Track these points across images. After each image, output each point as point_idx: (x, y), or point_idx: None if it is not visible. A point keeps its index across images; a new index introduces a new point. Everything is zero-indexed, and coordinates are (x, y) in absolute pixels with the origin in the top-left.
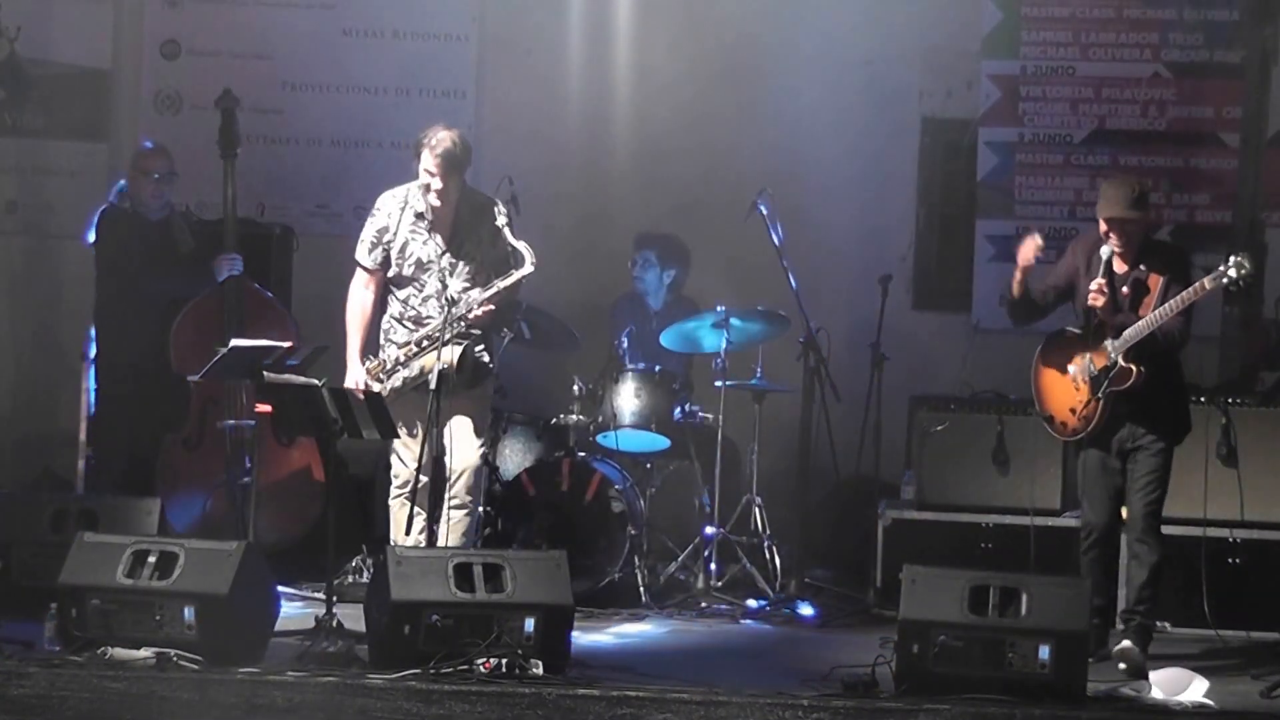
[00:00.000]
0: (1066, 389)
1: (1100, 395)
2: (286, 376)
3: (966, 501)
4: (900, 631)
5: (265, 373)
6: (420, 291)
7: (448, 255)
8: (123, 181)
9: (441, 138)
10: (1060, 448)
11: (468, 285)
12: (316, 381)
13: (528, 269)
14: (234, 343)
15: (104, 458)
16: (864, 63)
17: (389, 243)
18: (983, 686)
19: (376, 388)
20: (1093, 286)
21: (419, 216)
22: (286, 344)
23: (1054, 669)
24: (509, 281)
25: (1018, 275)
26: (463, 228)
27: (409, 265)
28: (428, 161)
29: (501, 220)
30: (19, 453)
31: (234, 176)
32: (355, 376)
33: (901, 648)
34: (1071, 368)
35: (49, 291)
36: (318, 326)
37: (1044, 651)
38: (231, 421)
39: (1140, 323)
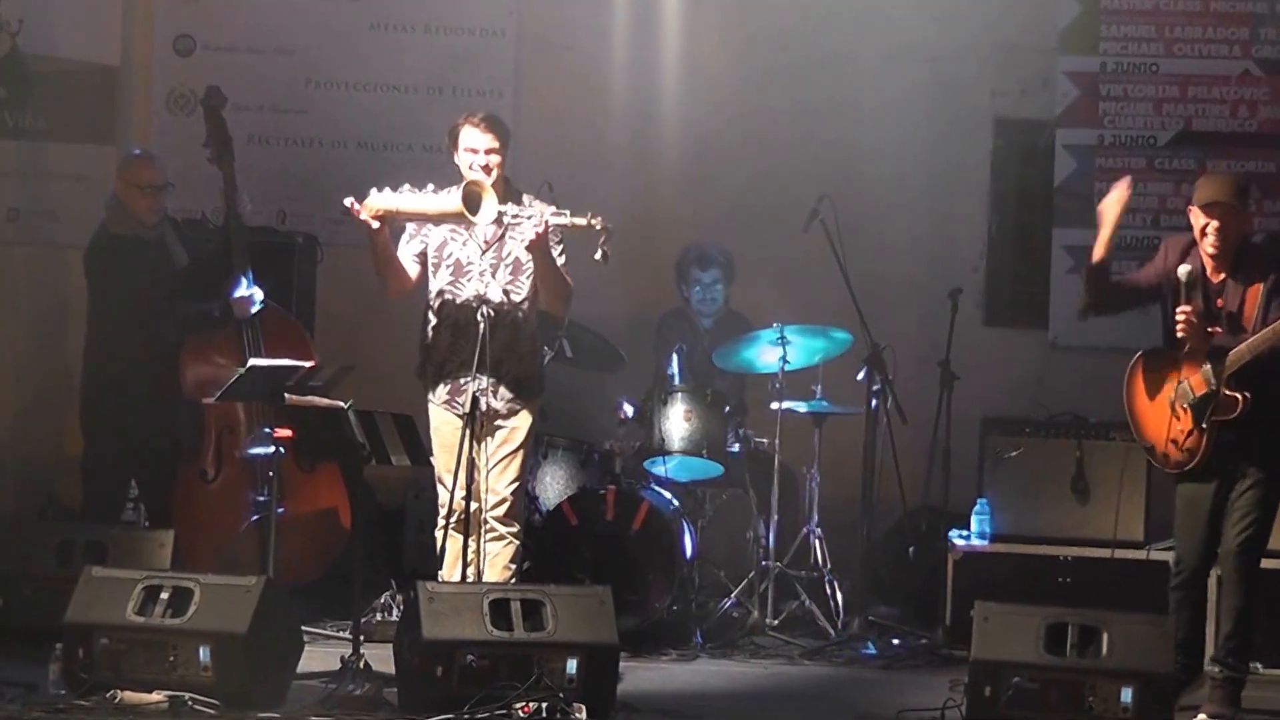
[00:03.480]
0: (1164, 417)
1: (1204, 425)
2: (309, 398)
3: (1043, 533)
4: (971, 673)
5: (286, 394)
6: (458, 295)
7: (489, 255)
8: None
9: (480, 112)
10: (1144, 474)
11: (509, 290)
12: (342, 404)
13: (602, 221)
14: (252, 362)
15: (99, 494)
16: (931, 59)
17: (426, 235)
18: None
19: (372, 204)
20: (1179, 316)
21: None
22: (309, 363)
23: (1137, 714)
24: (587, 219)
25: (1105, 232)
26: (506, 226)
27: (446, 267)
28: (471, 137)
29: (548, 214)
30: (21, 479)
31: (233, 185)
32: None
33: (972, 691)
34: (1169, 393)
35: (53, 304)
36: (343, 344)
37: (1126, 695)
38: (256, 450)
39: (1242, 346)
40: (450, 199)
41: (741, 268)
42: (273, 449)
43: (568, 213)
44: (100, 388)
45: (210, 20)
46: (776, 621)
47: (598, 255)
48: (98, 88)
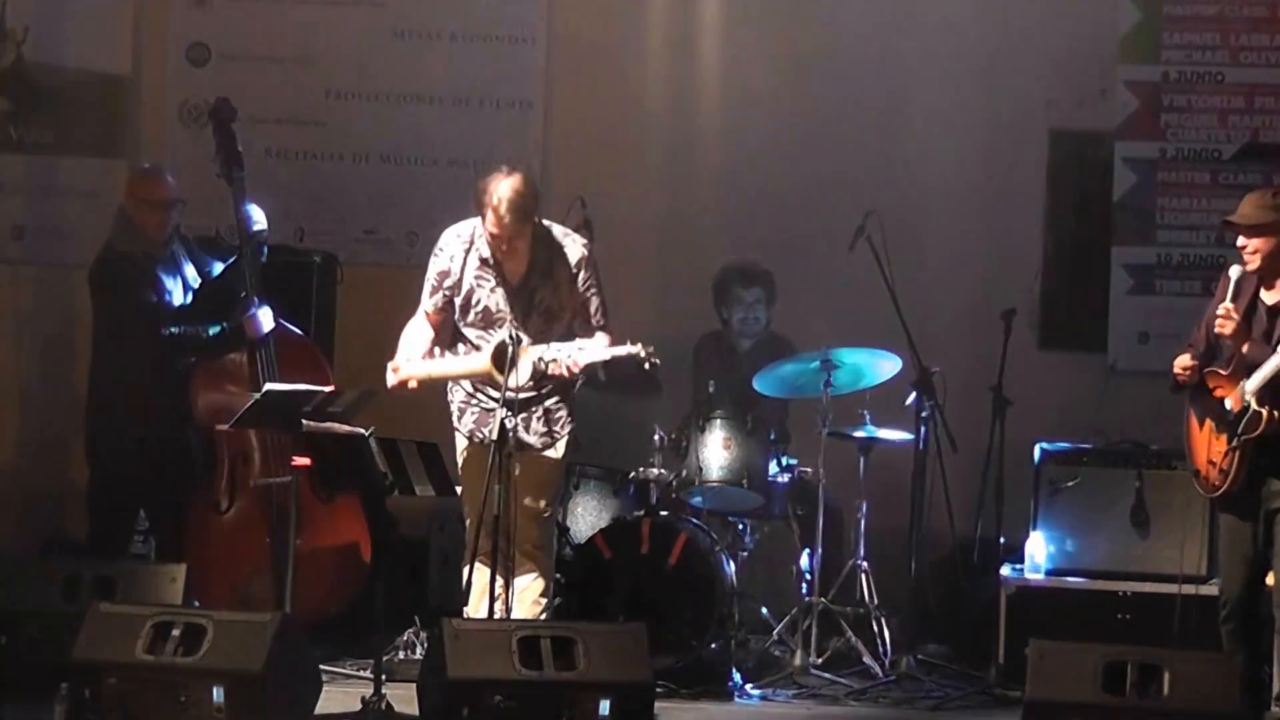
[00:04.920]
0: (1207, 437)
1: (1235, 445)
2: (328, 425)
3: (1101, 567)
4: (1026, 714)
5: (304, 421)
6: (488, 341)
7: (520, 304)
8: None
9: (504, 194)
10: (1207, 505)
11: (543, 337)
12: (363, 431)
13: (642, 351)
14: (268, 387)
15: (106, 526)
16: (984, 68)
17: (451, 288)
18: None
19: (406, 372)
20: (1220, 310)
21: (484, 262)
22: (327, 388)
23: None
24: (627, 350)
25: (1187, 362)
26: (536, 272)
27: (475, 315)
28: (493, 223)
29: (579, 250)
30: (25, 510)
31: (242, 201)
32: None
33: None
34: (1212, 413)
35: (60, 326)
36: (364, 367)
37: None
38: (272, 480)
39: (1274, 358)
40: (480, 360)
41: (784, 287)
42: (287, 479)
43: (608, 347)
44: (107, 414)
45: (225, 28)
46: (821, 660)
47: (646, 365)
48: (107, 99)
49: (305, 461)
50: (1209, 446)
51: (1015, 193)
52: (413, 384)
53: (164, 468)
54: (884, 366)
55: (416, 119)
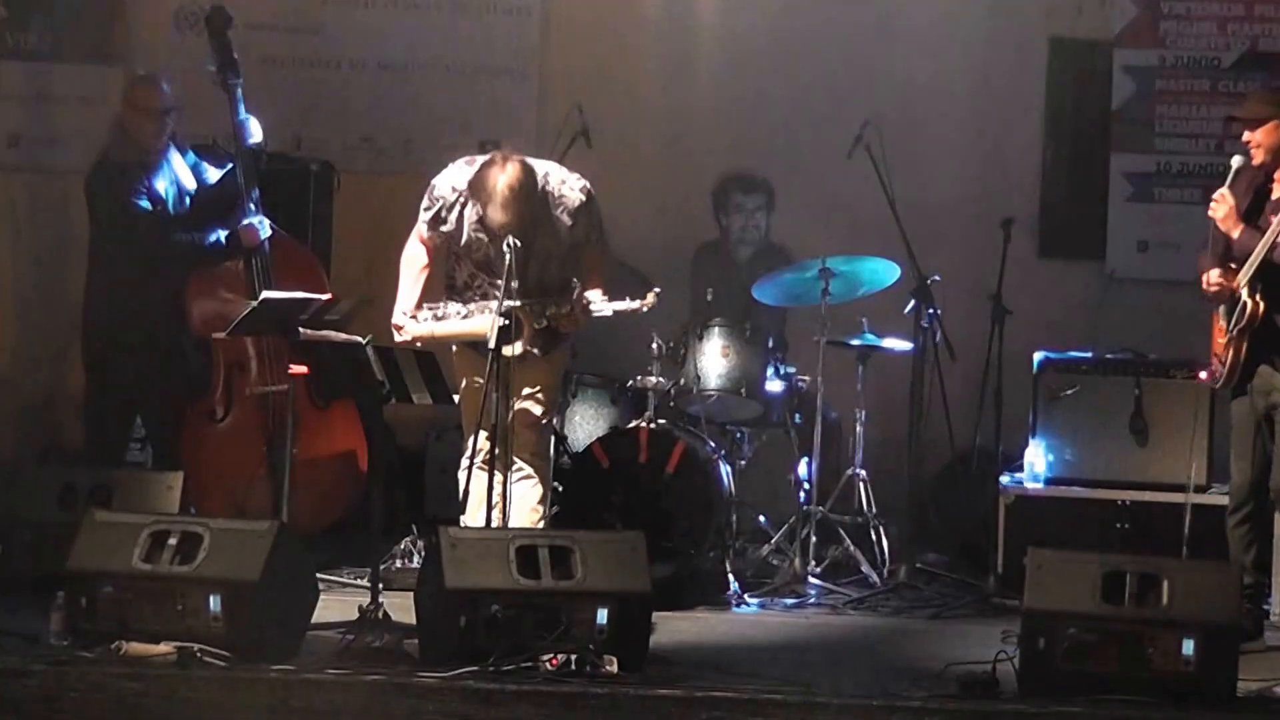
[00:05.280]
0: (1219, 329)
1: (1232, 335)
2: (325, 333)
3: (1099, 476)
4: (1024, 624)
5: (301, 329)
6: (487, 280)
7: (518, 255)
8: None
9: (500, 187)
10: (1207, 414)
11: (541, 280)
12: (360, 338)
13: (651, 300)
14: (265, 295)
15: (102, 434)
16: None
17: (448, 234)
18: (1118, 686)
19: (410, 331)
20: (1215, 196)
21: (481, 219)
22: (324, 296)
23: (1200, 667)
24: (629, 305)
25: (1215, 278)
26: (533, 225)
27: (474, 259)
28: (493, 217)
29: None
30: (21, 420)
31: (238, 109)
32: (397, 313)
33: (1025, 642)
34: (1225, 304)
35: (56, 234)
36: (361, 275)
37: (1188, 647)
38: (269, 388)
39: (1260, 246)
40: (483, 324)
41: (782, 197)
42: (284, 387)
43: (609, 301)
44: (103, 322)
45: None
46: (819, 569)
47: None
48: (103, 5)
49: (302, 370)
50: (1218, 338)
51: (1014, 101)
52: (418, 344)
53: (160, 375)
54: (882, 275)
55: (414, 25)
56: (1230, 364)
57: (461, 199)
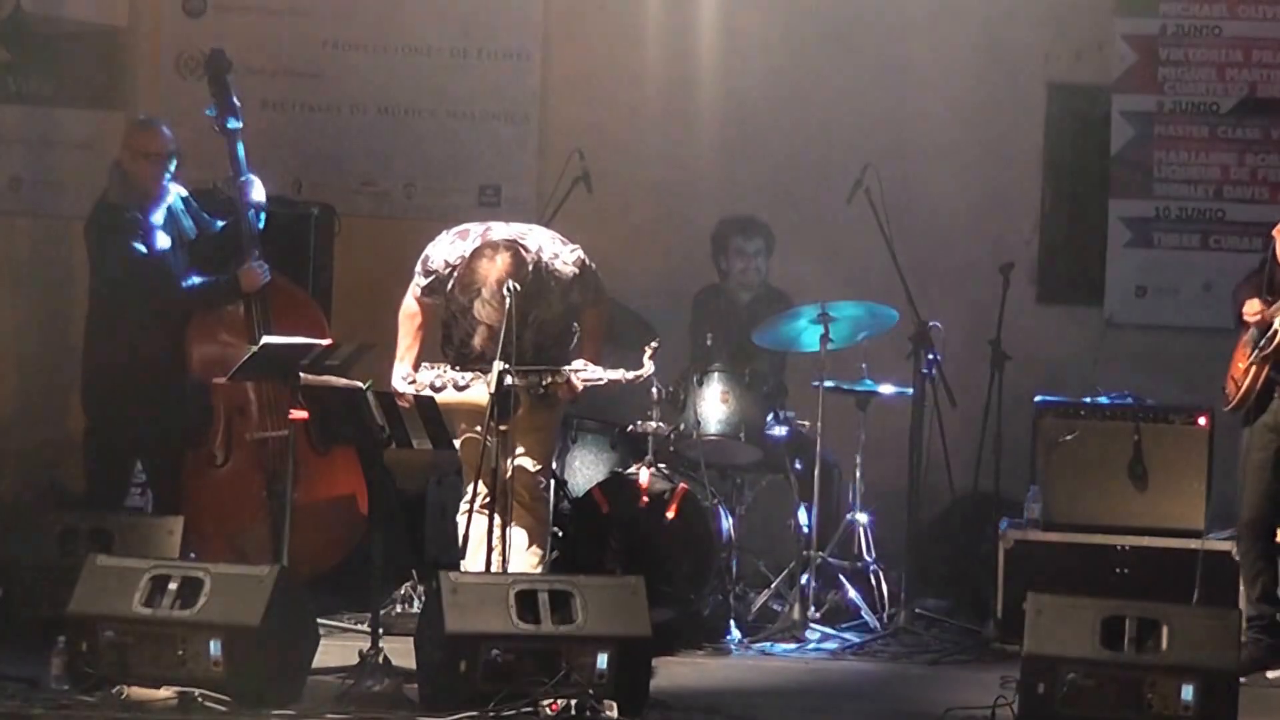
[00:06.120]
0: (1242, 353)
1: (1254, 359)
2: (326, 378)
3: (1099, 521)
4: (1024, 669)
5: (301, 374)
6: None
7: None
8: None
9: (490, 281)
10: (1205, 459)
11: (537, 344)
12: (360, 384)
13: (649, 369)
14: (265, 340)
15: (103, 478)
16: (982, 21)
17: (447, 295)
18: None
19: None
20: (1249, 311)
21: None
22: (325, 341)
23: (1199, 712)
24: (625, 376)
25: (1257, 307)
26: (526, 299)
27: (466, 322)
28: (481, 311)
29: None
30: (22, 463)
31: (241, 167)
32: (398, 378)
33: (1025, 687)
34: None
35: (57, 278)
36: (362, 321)
37: (1187, 692)
38: (269, 433)
39: None
40: (480, 393)
41: (781, 241)
42: (284, 432)
43: (610, 373)
44: (103, 366)
45: None
46: (819, 614)
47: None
48: (104, 50)
49: (302, 415)
50: (1238, 363)
51: (1013, 146)
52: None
53: (160, 420)
54: (881, 319)
55: (415, 70)
56: (1246, 388)
57: (455, 273)
